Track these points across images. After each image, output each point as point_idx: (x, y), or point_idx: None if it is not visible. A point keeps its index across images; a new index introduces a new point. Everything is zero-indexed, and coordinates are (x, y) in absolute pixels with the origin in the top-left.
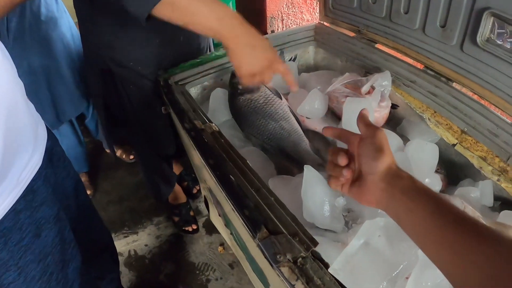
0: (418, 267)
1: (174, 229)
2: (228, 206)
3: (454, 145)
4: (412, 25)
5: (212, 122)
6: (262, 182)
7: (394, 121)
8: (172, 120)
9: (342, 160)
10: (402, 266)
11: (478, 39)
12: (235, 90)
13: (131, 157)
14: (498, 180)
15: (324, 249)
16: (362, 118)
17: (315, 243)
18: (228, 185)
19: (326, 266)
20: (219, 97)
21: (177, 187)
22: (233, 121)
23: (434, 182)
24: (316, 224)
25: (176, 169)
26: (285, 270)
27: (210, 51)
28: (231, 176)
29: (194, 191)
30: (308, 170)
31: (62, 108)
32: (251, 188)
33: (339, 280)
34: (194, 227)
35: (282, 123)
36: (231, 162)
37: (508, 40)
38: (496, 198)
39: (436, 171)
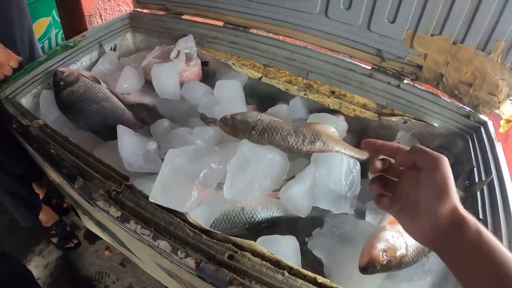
0: (229, 174)
1: (58, 251)
2: (58, 178)
3: (260, 78)
4: None
5: (39, 119)
6: (81, 149)
7: (209, 76)
8: (16, 138)
9: (374, 189)
10: (203, 173)
11: None
12: (58, 87)
13: None
14: (305, 94)
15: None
16: (418, 148)
17: (127, 179)
18: (52, 159)
19: (143, 195)
20: (47, 98)
21: (46, 208)
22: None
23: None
24: (136, 170)
25: (40, 191)
26: (100, 203)
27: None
28: (51, 150)
29: (65, 205)
30: (120, 128)
31: None
32: (71, 155)
33: (161, 204)
34: (75, 241)
35: (103, 103)
36: (57, 144)
37: None
38: (313, 110)
39: (248, 103)
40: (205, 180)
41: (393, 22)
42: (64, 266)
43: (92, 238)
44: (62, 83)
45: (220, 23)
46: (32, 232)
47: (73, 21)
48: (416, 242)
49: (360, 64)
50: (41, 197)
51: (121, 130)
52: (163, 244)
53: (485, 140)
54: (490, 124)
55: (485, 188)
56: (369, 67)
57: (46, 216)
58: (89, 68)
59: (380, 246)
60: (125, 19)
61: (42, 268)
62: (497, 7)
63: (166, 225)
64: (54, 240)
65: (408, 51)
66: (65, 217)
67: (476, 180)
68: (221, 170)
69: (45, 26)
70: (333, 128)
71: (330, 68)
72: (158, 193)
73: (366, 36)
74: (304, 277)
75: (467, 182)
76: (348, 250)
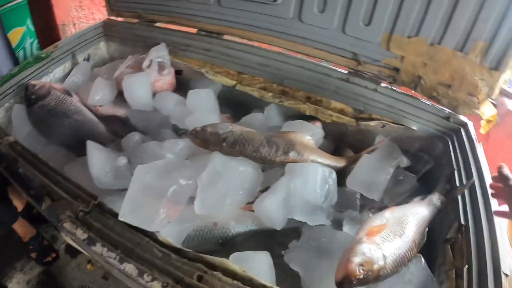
0: (200, 189)
1: (38, 266)
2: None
3: (234, 86)
4: None
5: (9, 135)
6: (51, 167)
7: (184, 85)
8: None
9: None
10: (172, 189)
11: None
12: (29, 101)
13: None
14: (280, 101)
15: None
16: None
17: (95, 198)
18: (20, 179)
19: (112, 213)
20: (19, 112)
21: (22, 222)
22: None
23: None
24: (106, 187)
25: (20, 203)
26: (67, 225)
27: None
28: (19, 169)
29: None
30: (89, 144)
31: None
32: (40, 174)
33: (129, 223)
34: (54, 255)
35: (75, 117)
36: (26, 162)
37: None
38: (289, 116)
39: (223, 112)
40: (174, 196)
41: (368, 24)
42: (46, 281)
43: (73, 252)
44: (33, 96)
45: (194, 30)
46: (12, 248)
47: (46, 30)
48: (396, 253)
49: (336, 68)
50: (20, 208)
51: (90, 145)
52: (129, 267)
53: (466, 141)
54: (470, 125)
55: (466, 191)
56: (346, 72)
57: (22, 230)
58: (62, 79)
59: (357, 260)
60: (98, 27)
61: (24, 285)
62: (474, 7)
63: (133, 246)
64: (33, 255)
65: (384, 54)
66: (44, 230)
67: (457, 183)
68: (191, 185)
69: (19, 36)
70: (309, 136)
71: (306, 74)
72: (127, 212)
73: (342, 40)
74: None
75: (448, 185)
76: (325, 263)
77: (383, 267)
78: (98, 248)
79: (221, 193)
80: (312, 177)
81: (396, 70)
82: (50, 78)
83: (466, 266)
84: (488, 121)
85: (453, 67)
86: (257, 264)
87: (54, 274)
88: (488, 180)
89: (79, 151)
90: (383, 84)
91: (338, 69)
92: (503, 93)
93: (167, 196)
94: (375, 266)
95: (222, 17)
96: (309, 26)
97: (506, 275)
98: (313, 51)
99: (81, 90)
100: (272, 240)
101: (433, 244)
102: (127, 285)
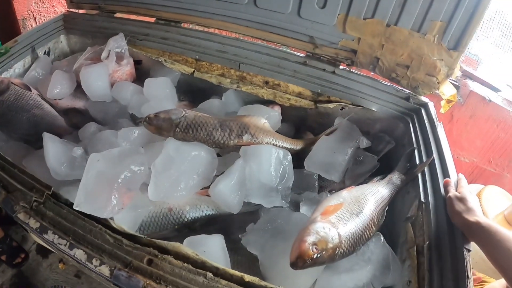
0: (153, 174)
1: (10, 268)
2: None
3: (192, 73)
4: None
5: None
6: (7, 160)
7: (144, 75)
8: None
9: None
10: (123, 175)
11: None
12: None
13: None
14: (238, 87)
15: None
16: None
17: (50, 188)
18: None
19: (68, 203)
20: None
21: None
22: None
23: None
24: (63, 178)
25: None
26: (21, 215)
27: None
28: None
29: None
30: (45, 136)
31: None
32: None
33: (84, 211)
34: (23, 255)
35: (34, 111)
36: None
37: None
38: (248, 102)
39: (181, 100)
40: (126, 183)
41: (323, 7)
42: (19, 283)
43: (44, 252)
44: None
45: (152, 20)
46: None
47: (5, 25)
48: (352, 232)
49: (293, 52)
50: None
51: (46, 137)
52: (79, 253)
53: (426, 121)
54: (430, 105)
55: (426, 169)
56: (303, 55)
57: None
58: (23, 74)
59: (310, 239)
60: (58, 21)
61: None
62: None
63: (85, 233)
64: (3, 257)
65: (341, 36)
66: (14, 231)
67: (417, 162)
68: (143, 171)
69: None
70: (264, 119)
71: (263, 58)
72: (81, 200)
73: (297, 23)
74: (231, 277)
75: (408, 164)
76: (282, 245)
77: (338, 245)
78: (50, 236)
79: (174, 178)
80: (266, 159)
81: (354, 52)
82: (10, 73)
83: (427, 242)
84: (448, 101)
85: (411, 48)
86: (211, 247)
87: (27, 276)
88: (449, 158)
89: (39, 145)
90: (341, 67)
91: (296, 53)
92: (466, 75)
93: (118, 182)
94: (330, 245)
95: (179, 5)
96: (264, 10)
97: (469, 250)
98: (270, 36)
99: (41, 84)
100: (232, 224)
101: (395, 223)
102: (100, 282)
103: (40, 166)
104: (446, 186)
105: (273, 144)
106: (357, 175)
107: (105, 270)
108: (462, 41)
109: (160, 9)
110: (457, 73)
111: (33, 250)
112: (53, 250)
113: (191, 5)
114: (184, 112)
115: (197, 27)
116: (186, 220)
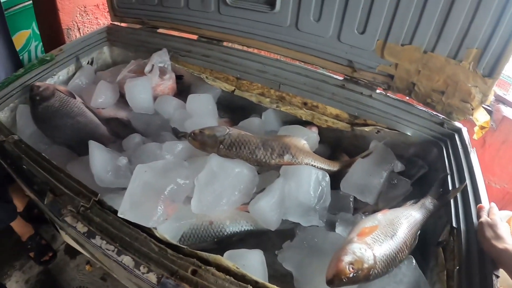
0: (197, 188)
1: (37, 265)
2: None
3: (233, 91)
4: (178, 4)
5: (14, 134)
6: (54, 164)
7: (185, 90)
8: None
9: None
10: (169, 188)
11: (228, 0)
12: (34, 102)
13: None
14: (277, 106)
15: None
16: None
17: (96, 194)
18: (24, 175)
19: (112, 210)
20: (23, 112)
21: (20, 222)
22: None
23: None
24: (106, 185)
25: (21, 203)
26: (68, 219)
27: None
28: (24, 166)
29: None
30: (91, 144)
31: None
32: (43, 171)
33: (129, 219)
34: (50, 254)
35: (78, 118)
36: (30, 159)
37: None
38: (286, 122)
39: (221, 117)
40: (171, 195)
41: (363, 33)
42: (45, 281)
43: (72, 253)
44: (38, 97)
45: (195, 37)
46: (12, 247)
47: (51, 34)
48: (386, 253)
49: (332, 75)
50: (21, 208)
51: (92, 145)
52: (127, 259)
53: (459, 147)
54: (464, 130)
55: (459, 195)
56: (341, 78)
57: (20, 230)
58: (66, 82)
59: (347, 258)
60: (102, 32)
61: (23, 284)
62: (467, 14)
63: (131, 240)
64: (31, 254)
65: (379, 61)
66: (45, 230)
67: (450, 188)
68: (188, 184)
69: (25, 39)
70: (304, 140)
71: (302, 80)
72: (126, 208)
73: (337, 47)
74: None
75: (441, 189)
76: (317, 263)
77: (373, 266)
78: (98, 240)
79: (217, 193)
80: (305, 179)
81: (391, 77)
82: (55, 80)
83: (457, 267)
84: (482, 127)
85: (446, 74)
86: (250, 261)
87: (54, 274)
88: (481, 184)
89: (81, 151)
90: (378, 91)
91: (334, 76)
92: (499, 99)
93: (164, 194)
94: (365, 265)
95: (221, 24)
96: (305, 34)
97: (497, 276)
98: (310, 58)
99: (84, 93)
100: (268, 240)
101: (426, 247)
102: (125, 286)
103: (83, 172)
104: (479, 211)
105: (312, 165)
106: (390, 198)
107: (152, 277)
108: (497, 68)
109: (203, 27)
110: (491, 99)
111: (61, 249)
112: (101, 253)
113: (233, 25)
114: (228, 130)
115: (237, 46)
116: (225, 233)
